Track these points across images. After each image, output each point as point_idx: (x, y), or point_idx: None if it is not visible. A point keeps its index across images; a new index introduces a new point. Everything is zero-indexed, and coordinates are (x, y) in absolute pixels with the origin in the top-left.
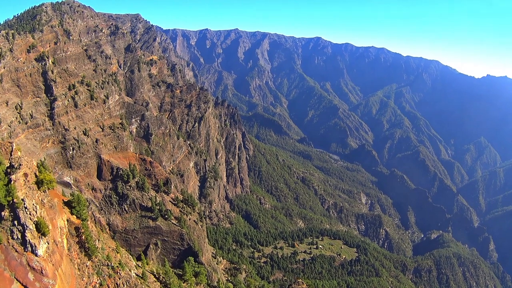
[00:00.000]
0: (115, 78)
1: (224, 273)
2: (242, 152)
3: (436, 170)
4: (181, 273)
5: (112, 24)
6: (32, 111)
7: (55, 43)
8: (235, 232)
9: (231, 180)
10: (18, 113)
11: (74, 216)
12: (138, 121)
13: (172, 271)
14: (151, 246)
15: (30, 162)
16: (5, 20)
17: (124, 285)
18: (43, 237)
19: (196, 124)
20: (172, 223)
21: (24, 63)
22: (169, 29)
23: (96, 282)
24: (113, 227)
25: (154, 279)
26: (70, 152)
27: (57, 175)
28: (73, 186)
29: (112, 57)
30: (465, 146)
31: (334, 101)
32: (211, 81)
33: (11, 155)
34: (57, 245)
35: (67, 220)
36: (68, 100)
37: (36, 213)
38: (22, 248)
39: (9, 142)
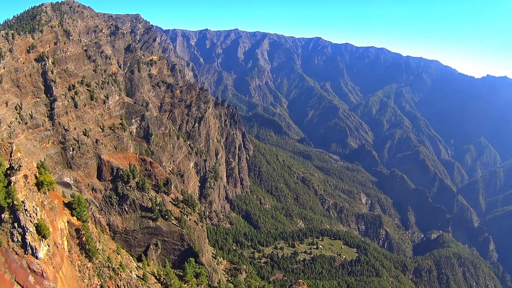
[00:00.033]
0: (115, 79)
1: (224, 273)
2: (242, 152)
3: (436, 170)
4: (181, 274)
5: (112, 24)
6: (32, 112)
7: (55, 44)
8: (235, 232)
9: (231, 180)
10: (18, 113)
11: (75, 218)
12: (138, 121)
13: (173, 272)
14: (151, 246)
15: (30, 163)
16: (5, 20)
17: (125, 287)
18: (43, 239)
19: (196, 124)
20: (172, 223)
21: (24, 63)
22: (169, 29)
23: (97, 284)
24: (113, 227)
25: (155, 280)
26: (70, 153)
27: (57, 175)
28: (73, 187)
29: (112, 57)
30: (465, 146)
31: (334, 101)
32: (211, 81)
33: (11, 156)
34: (57, 247)
35: (68, 222)
36: (68, 101)
37: (37, 215)
38: (23, 250)
39: (9, 143)
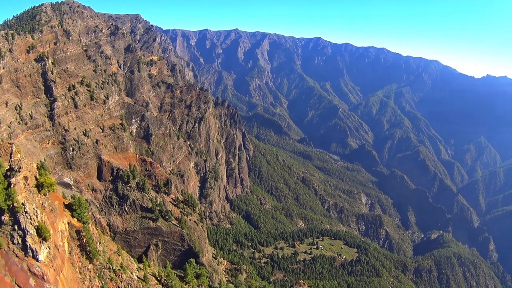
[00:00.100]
0: (115, 79)
1: (224, 273)
2: (242, 152)
3: (436, 170)
4: (182, 274)
5: (112, 24)
6: (32, 112)
7: (55, 44)
8: (235, 232)
9: (231, 180)
10: (17, 113)
11: (75, 219)
12: (138, 121)
13: (174, 273)
14: (151, 247)
15: (30, 164)
16: (5, 20)
17: None
18: (44, 242)
19: (196, 124)
20: (173, 223)
21: (23, 63)
22: (169, 29)
23: (97, 286)
24: (113, 228)
25: (156, 281)
26: (70, 153)
27: (57, 176)
28: (73, 187)
29: (112, 57)
30: (465, 146)
31: (334, 101)
32: (211, 81)
33: (11, 157)
34: (58, 249)
35: (68, 223)
36: (68, 101)
37: (37, 217)
38: (23, 253)
39: (9, 143)
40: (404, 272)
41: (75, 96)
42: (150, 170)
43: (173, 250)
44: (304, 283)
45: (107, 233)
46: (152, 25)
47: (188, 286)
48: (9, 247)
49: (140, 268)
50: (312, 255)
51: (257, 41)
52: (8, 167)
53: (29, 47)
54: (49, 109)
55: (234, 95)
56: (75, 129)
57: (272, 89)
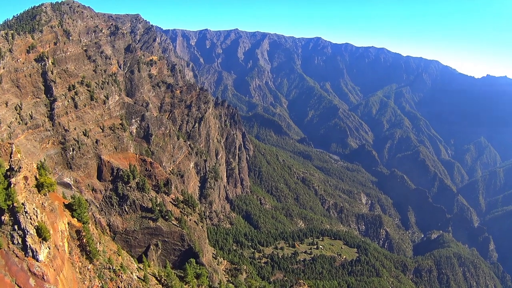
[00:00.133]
0: (115, 79)
1: (224, 273)
2: (242, 152)
3: (436, 170)
4: (182, 274)
5: (112, 24)
6: (32, 112)
7: (55, 44)
8: (235, 232)
9: (231, 180)
10: (18, 113)
11: (75, 219)
12: (138, 121)
13: (174, 273)
14: (151, 247)
15: (30, 164)
16: (5, 20)
17: None
18: (44, 242)
19: (196, 124)
20: (173, 223)
21: (23, 63)
22: (169, 29)
23: (97, 286)
24: (113, 228)
25: (156, 281)
26: (70, 153)
27: (57, 176)
28: (73, 187)
29: (112, 57)
30: (465, 146)
31: (334, 101)
32: (211, 81)
33: (11, 157)
34: (58, 249)
35: (68, 223)
36: (68, 101)
37: (37, 217)
38: (23, 253)
39: (9, 143)
40: (404, 272)
41: (75, 96)
42: (150, 170)
43: (173, 250)
44: (304, 283)
45: (107, 233)
46: (152, 25)
47: (188, 286)
48: (9, 247)
49: (140, 268)
50: (312, 255)
51: (257, 41)
52: (8, 167)
53: (29, 47)
54: (49, 109)
55: (234, 95)
56: (75, 129)
57: (272, 89)
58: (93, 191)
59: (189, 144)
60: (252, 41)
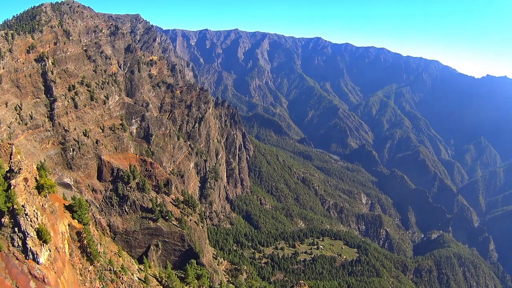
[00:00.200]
0: (115, 79)
1: (225, 274)
2: (243, 152)
3: (436, 170)
4: (183, 275)
5: (112, 24)
6: (32, 112)
7: (55, 44)
8: (235, 232)
9: (231, 180)
10: (17, 114)
11: (76, 221)
12: (138, 121)
13: (175, 274)
14: (152, 247)
15: (30, 166)
16: (5, 20)
17: None
18: (44, 244)
19: (197, 124)
20: (173, 224)
21: (23, 63)
22: (169, 29)
23: (98, 287)
24: (113, 228)
25: (157, 282)
26: (70, 153)
27: (57, 176)
28: (73, 188)
29: (112, 57)
30: (465, 146)
31: (334, 101)
32: (211, 82)
33: (10, 158)
34: (59, 251)
35: (69, 225)
36: (68, 101)
37: (37, 219)
38: (23, 256)
39: (8, 144)
40: (404, 272)
41: (75, 96)
42: (150, 171)
43: (173, 250)
44: (305, 284)
45: (107, 233)
46: (152, 25)
47: (189, 287)
48: (9, 250)
49: (141, 269)
50: (312, 255)
51: (257, 41)
52: (8, 168)
53: (29, 47)
54: (49, 109)
55: (234, 95)
56: (75, 129)
57: (272, 89)
58: (93, 192)
59: (189, 144)
60: (252, 41)
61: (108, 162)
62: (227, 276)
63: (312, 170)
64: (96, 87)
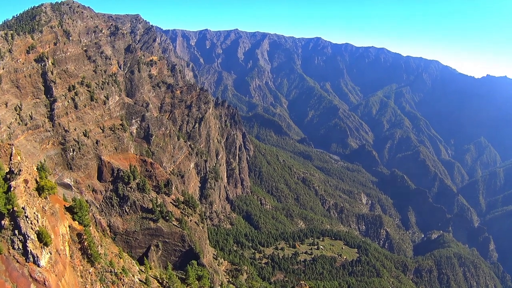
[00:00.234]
0: (115, 79)
1: (225, 274)
2: (243, 152)
3: (436, 170)
4: (183, 276)
5: (112, 24)
6: (31, 112)
7: (55, 44)
8: (236, 233)
9: (231, 180)
10: (17, 114)
11: (76, 222)
12: (139, 122)
13: (175, 275)
14: (152, 247)
15: (30, 167)
16: (4, 20)
17: None
18: (45, 247)
19: (197, 124)
20: (173, 224)
21: (23, 64)
22: (169, 30)
23: None
24: (114, 228)
25: (158, 284)
26: (70, 154)
27: (57, 176)
28: (73, 188)
29: (112, 57)
30: (465, 146)
31: (334, 101)
32: (211, 82)
33: (10, 159)
34: (59, 254)
35: (69, 226)
36: (68, 101)
37: (38, 222)
38: (24, 258)
39: (8, 145)
40: (405, 272)
41: (75, 96)
42: (151, 171)
43: (173, 251)
44: (305, 285)
45: (108, 234)
46: (152, 25)
47: None
48: (9, 253)
49: (142, 271)
50: (313, 256)
51: (257, 41)
52: (8, 169)
53: (29, 47)
54: (49, 109)
55: (234, 95)
56: (75, 129)
57: (272, 89)
58: (94, 192)
59: (190, 145)
60: (252, 41)
61: (108, 162)
62: (228, 277)
63: (312, 170)
64: (96, 87)
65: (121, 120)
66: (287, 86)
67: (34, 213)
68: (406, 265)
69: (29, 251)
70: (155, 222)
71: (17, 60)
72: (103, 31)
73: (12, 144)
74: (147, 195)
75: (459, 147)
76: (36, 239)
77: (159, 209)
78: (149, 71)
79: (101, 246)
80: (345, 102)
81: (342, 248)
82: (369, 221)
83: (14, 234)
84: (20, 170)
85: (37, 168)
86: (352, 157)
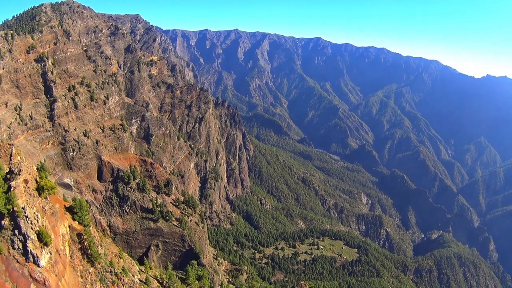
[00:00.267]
0: (115, 79)
1: (225, 274)
2: (243, 152)
3: (436, 170)
4: (184, 276)
5: (112, 24)
6: (31, 112)
7: (55, 44)
8: (236, 233)
9: (231, 180)
10: (17, 114)
11: (76, 222)
12: (139, 122)
13: (175, 275)
14: (152, 247)
15: (30, 167)
16: (4, 20)
17: None
18: (45, 247)
19: (197, 124)
20: (173, 224)
21: (23, 64)
22: (169, 30)
23: None
24: (114, 228)
25: (158, 284)
26: (70, 154)
27: (57, 176)
28: (73, 188)
29: (112, 57)
30: (465, 146)
31: (334, 101)
32: (211, 82)
33: (10, 159)
34: (59, 254)
35: (69, 226)
36: (68, 101)
37: (38, 222)
38: (24, 258)
39: (8, 145)
40: (405, 272)
41: (75, 96)
42: (151, 171)
43: (173, 251)
44: (305, 285)
45: (108, 234)
46: (152, 25)
47: None
48: (9, 253)
49: (142, 271)
50: (313, 256)
51: (257, 41)
52: (8, 169)
53: (29, 47)
54: (49, 109)
55: (234, 95)
56: (75, 129)
57: (272, 89)
58: (94, 192)
59: (190, 145)
60: (252, 41)
61: (108, 162)
62: (228, 277)
63: (312, 170)
64: (96, 87)
65: (121, 120)
66: (287, 86)
67: (34, 213)
68: (406, 265)
69: (29, 251)
70: (155, 222)
71: (17, 60)
72: (103, 31)
73: (12, 144)
74: (147, 195)
75: (459, 147)
76: (36, 239)
77: (159, 209)
78: (149, 71)
79: (101, 246)
80: (345, 102)
81: (342, 248)
82: (369, 221)
83: (14, 234)
84: (20, 170)
85: (37, 168)
86: (352, 157)
